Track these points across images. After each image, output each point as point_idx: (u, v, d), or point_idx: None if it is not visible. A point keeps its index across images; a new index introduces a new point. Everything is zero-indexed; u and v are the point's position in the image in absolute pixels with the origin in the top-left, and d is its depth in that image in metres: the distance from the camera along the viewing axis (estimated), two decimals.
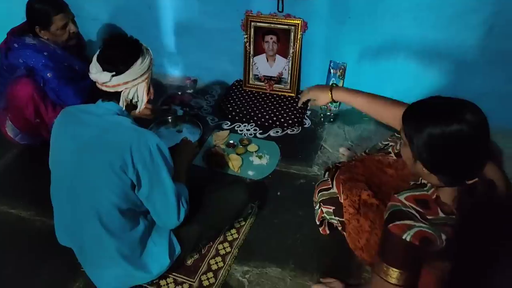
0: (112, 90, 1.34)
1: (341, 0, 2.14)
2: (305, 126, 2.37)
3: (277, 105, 2.45)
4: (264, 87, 2.54)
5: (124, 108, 1.39)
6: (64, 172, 1.37)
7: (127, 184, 1.31)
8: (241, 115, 2.41)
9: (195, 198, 1.57)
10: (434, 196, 1.15)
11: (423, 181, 1.22)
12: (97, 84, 1.36)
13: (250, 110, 2.41)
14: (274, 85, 2.52)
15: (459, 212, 1.13)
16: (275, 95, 2.52)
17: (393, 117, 1.41)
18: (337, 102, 1.81)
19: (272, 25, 2.35)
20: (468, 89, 2.19)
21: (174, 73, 2.80)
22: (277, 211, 1.87)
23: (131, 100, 1.39)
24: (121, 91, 1.34)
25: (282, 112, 2.40)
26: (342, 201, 1.50)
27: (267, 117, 2.37)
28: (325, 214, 1.61)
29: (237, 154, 2.17)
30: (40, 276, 1.64)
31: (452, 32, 2.04)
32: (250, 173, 2.06)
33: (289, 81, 2.49)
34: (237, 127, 2.39)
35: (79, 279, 1.61)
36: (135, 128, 1.35)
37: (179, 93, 2.52)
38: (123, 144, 1.28)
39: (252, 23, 2.38)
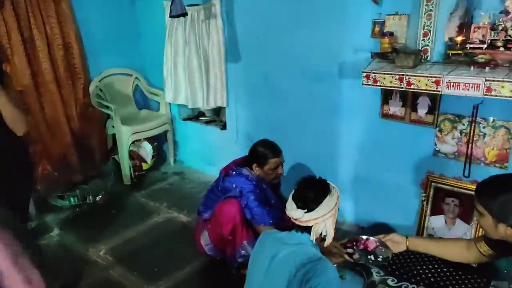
0: (304, 225, 1.53)
1: None
2: None
3: (452, 270, 2.24)
4: None
5: (314, 241, 1.54)
6: (257, 280, 1.53)
7: None
8: (410, 274, 2.27)
9: None
10: None
11: None
12: (292, 219, 1.57)
13: (420, 270, 2.27)
14: None
15: None
16: (451, 261, 2.33)
17: (459, 255, 1.82)
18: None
19: (456, 188, 2.31)
20: None
21: (345, 217, 2.89)
22: None
23: (320, 234, 1.54)
24: (312, 226, 1.51)
25: (457, 277, 2.18)
26: None
27: (439, 280, 2.18)
28: None
29: None
30: None
31: None
32: None
33: None
34: (405, 287, 2.24)
35: None
36: (322, 259, 1.48)
37: (364, 237, 2.53)
38: (309, 270, 1.42)
39: (433, 184, 2.39)
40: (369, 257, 2.26)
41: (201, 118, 3.91)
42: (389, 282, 2.29)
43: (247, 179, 2.37)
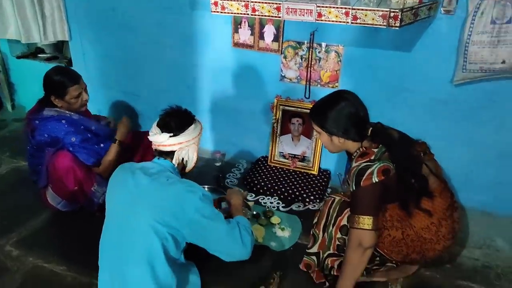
0: (168, 149, 1.57)
1: (361, 95, 2.38)
2: None
3: (300, 181, 2.61)
4: (288, 164, 2.73)
5: (176, 166, 1.59)
6: (117, 216, 1.52)
7: (176, 233, 1.46)
8: (265, 188, 2.56)
9: (220, 262, 1.66)
10: (362, 148, 1.66)
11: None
12: (153, 145, 1.60)
13: (274, 184, 2.57)
14: (298, 162, 2.71)
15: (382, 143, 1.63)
16: (298, 172, 2.70)
17: None
18: None
19: (299, 109, 2.61)
20: (483, 177, 2.36)
21: (206, 146, 3.02)
22: (299, 282, 1.93)
23: (182, 159, 1.60)
24: (175, 151, 1.57)
25: (304, 188, 2.55)
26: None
27: (290, 191, 2.52)
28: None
29: (260, 225, 2.27)
30: None
31: (465, 124, 2.26)
32: (273, 244, 2.14)
33: (311, 159, 2.67)
34: (261, 199, 2.53)
35: None
36: (184, 181, 1.54)
37: None
38: (175, 195, 1.47)
39: (281, 106, 2.65)
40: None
41: (40, 55, 3.47)
42: (248, 197, 2.54)
43: (54, 120, 2.15)
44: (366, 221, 1.55)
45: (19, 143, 3.06)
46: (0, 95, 3.59)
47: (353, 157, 1.71)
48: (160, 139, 1.56)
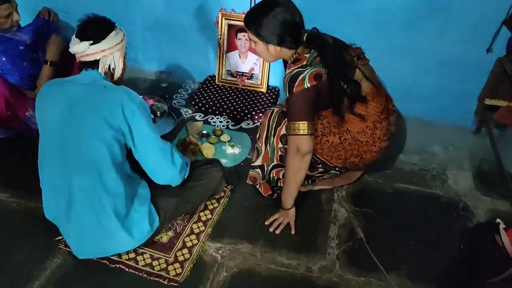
0: (91, 58, 1.50)
1: (305, 4, 2.29)
2: None
3: (248, 99, 2.58)
4: (236, 82, 2.68)
5: (103, 74, 1.54)
6: (55, 129, 1.46)
7: (120, 137, 1.44)
8: (214, 107, 2.52)
9: None
10: (296, 54, 1.64)
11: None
12: (77, 58, 1.52)
13: (222, 103, 2.54)
14: (246, 80, 2.66)
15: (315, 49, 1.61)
16: (246, 90, 2.66)
17: None
18: None
19: None
20: (424, 87, 2.44)
21: (150, 68, 2.88)
22: (248, 195, 2.00)
23: (109, 67, 1.54)
24: (99, 59, 1.50)
25: (253, 105, 2.53)
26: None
27: (239, 109, 2.50)
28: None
29: (211, 143, 2.28)
30: (16, 255, 1.67)
31: (408, 34, 2.26)
32: (223, 161, 2.17)
33: (259, 77, 2.63)
34: (211, 119, 2.51)
35: (58, 255, 1.67)
36: (121, 87, 1.51)
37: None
38: (114, 99, 1.44)
39: (226, 21, 2.52)
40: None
41: None
42: (197, 117, 2.51)
43: None
44: (301, 126, 1.57)
45: None
46: None
47: (287, 64, 1.69)
48: (81, 49, 1.48)
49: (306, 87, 1.55)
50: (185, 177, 1.65)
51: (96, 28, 1.50)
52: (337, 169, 1.89)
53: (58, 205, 1.54)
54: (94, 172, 1.44)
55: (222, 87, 2.68)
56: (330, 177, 1.99)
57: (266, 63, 2.57)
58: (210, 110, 2.54)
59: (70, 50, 1.52)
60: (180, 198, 1.69)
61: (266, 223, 1.83)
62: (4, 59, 2.00)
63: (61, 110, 1.44)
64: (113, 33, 1.52)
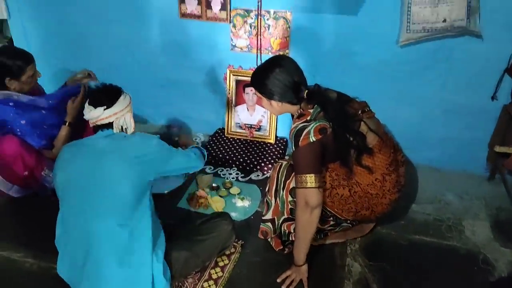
0: (106, 121, 1.62)
1: (311, 60, 2.38)
2: None
3: (257, 151, 2.62)
4: (245, 134, 2.72)
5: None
6: (78, 181, 1.53)
7: (143, 175, 1.55)
8: (223, 160, 2.56)
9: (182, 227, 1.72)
10: (300, 109, 1.71)
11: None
12: (91, 123, 1.63)
13: (232, 155, 2.57)
14: (254, 132, 2.71)
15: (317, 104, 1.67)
16: (255, 142, 2.70)
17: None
18: None
19: None
20: (432, 135, 2.45)
21: (160, 122, 2.96)
22: (259, 250, 1.97)
23: (121, 127, 1.66)
24: (113, 121, 1.63)
25: (262, 157, 2.56)
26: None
27: (248, 161, 2.52)
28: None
29: (220, 196, 2.29)
30: None
31: (412, 84, 2.31)
32: (233, 214, 2.16)
33: (268, 128, 2.68)
34: (220, 171, 2.53)
35: None
36: (138, 133, 1.70)
37: None
38: (135, 143, 1.60)
39: (234, 77, 2.61)
40: None
41: None
42: (207, 170, 2.54)
43: (1, 104, 2.04)
44: (309, 179, 1.59)
45: None
46: None
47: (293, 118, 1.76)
48: (96, 114, 1.59)
49: (311, 140, 1.59)
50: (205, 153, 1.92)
51: (106, 95, 1.63)
52: (348, 221, 1.87)
53: (74, 260, 1.55)
54: (119, 216, 1.50)
55: (231, 139, 2.73)
56: (342, 230, 1.96)
57: (274, 115, 2.63)
58: (220, 163, 2.57)
59: (84, 117, 1.63)
60: (190, 251, 1.69)
61: (278, 280, 1.79)
62: (23, 121, 2.08)
63: (88, 161, 1.54)
64: (122, 97, 1.65)
